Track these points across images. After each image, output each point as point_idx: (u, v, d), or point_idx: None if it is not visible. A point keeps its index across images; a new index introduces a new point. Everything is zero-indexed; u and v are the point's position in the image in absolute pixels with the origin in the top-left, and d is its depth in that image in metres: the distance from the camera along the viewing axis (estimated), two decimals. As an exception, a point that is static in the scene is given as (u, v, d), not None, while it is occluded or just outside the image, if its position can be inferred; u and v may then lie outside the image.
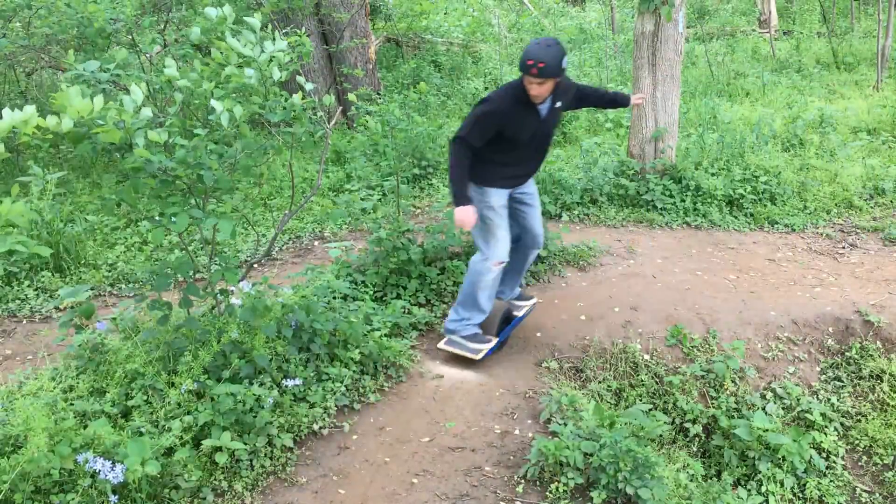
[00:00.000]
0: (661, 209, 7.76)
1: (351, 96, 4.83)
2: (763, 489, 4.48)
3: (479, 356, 4.82)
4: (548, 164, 7.46)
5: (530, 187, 4.95)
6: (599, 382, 5.04)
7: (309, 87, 4.02)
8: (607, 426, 4.04)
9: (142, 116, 3.46)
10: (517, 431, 4.30)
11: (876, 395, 5.15)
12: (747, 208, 7.72)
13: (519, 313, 5.33)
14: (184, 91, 3.77)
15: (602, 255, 6.77)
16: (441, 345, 4.90)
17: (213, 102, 3.54)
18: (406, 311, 5.45)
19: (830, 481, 4.65)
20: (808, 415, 4.97)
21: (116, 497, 3.26)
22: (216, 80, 3.83)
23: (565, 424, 4.20)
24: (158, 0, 7.69)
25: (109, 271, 6.48)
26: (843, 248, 6.92)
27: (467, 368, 4.93)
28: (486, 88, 12.99)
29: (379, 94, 11.11)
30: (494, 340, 4.92)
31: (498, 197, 4.68)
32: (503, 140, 4.47)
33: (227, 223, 3.70)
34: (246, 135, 4.00)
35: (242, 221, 7.33)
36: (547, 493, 3.81)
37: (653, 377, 5.13)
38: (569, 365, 5.14)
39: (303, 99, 4.05)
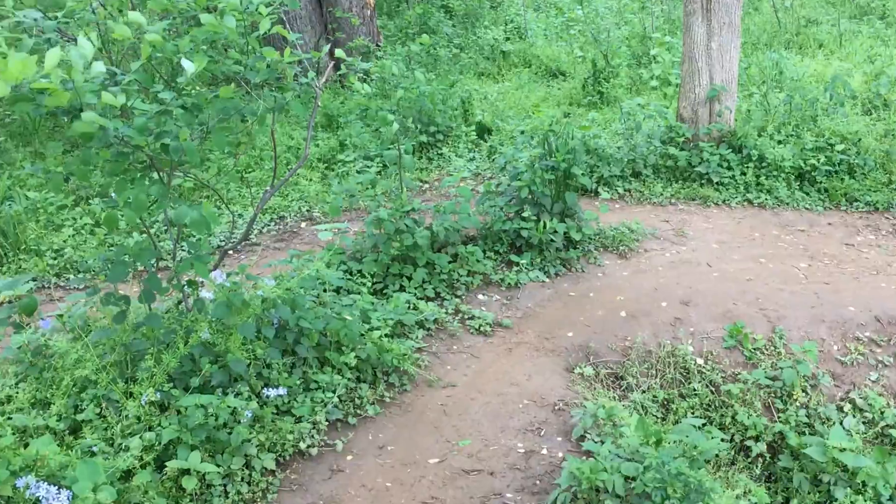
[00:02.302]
0: (717, 184, 7.71)
1: (340, 52, 4.75)
2: (840, 521, 4.43)
3: None
4: (581, 129, 7.43)
5: None
6: (643, 392, 5.03)
7: (293, 37, 3.97)
8: (653, 444, 4.00)
9: (93, 73, 3.41)
10: (545, 451, 4.29)
11: (977, 407, 5.08)
12: (820, 183, 7.65)
13: None
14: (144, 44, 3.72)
15: (646, 238, 6.74)
16: None
17: (184, 63, 3.48)
18: (411, 306, 5.44)
19: (921, 511, 4.59)
20: (893, 431, 4.92)
21: (64, 529, 3.22)
22: (184, 30, 3.79)
23: (602, 442, 4.18)
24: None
25: (55, 259, 6.45)
26: (937, 230, 6.87)
27: (484, 375, 4.92)
28: (507, 39, 12.92)
29: (378, 45, 11.03)
30: None
31: None
32: None
33: (198, 218, 3.68)
34: (225, 96, 3.96)
35: (215, 200, 7.29)
36: (580, 526, 3.78)
37: (707, 386, 5.11)
38: (607, 371, 5.13)
39: (289, 53, 4.00)
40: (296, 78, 4.30)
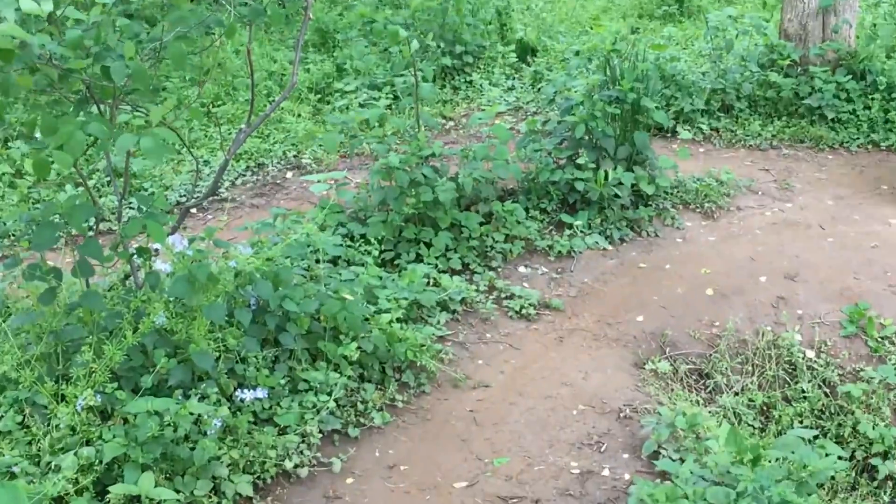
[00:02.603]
0: (832, 121, 7.65)
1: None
2: None
3: None
4: (654, 49, 7.36)
5: None
6: (736, 394, 5.00)
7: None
8: (748, 463, 3.93)
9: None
10: (606, 472, 4.24)
11: None
12: (972, 119, 7.56)
13: None
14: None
15: (740, 193, 6.74)
16: None
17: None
18: (431, 281, 5.40)
19: None
20: None
21: (-23, 573, 3.18)
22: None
23: (682, 460, 4.14)
24: None
25: (-36, 219, 6.44)
26: None
27: (527, 372, 4.89)
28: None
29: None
30: None
31: None
32: None
33: (150, 142, 3.60)
34: (180, 5, 3.90)
35: (174, 142, 7.20)
36: (653, 571, 3.73)
37: (820, 386, 5.08)
38: (688, 367, 5.10)
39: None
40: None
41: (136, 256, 4.23)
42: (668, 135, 7.63)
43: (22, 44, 3.44)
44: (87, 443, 3.68)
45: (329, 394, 4.35)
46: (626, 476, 4.19)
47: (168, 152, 3.58)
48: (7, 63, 3.50)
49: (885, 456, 4.80)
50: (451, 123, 8.02)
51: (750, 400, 4.99)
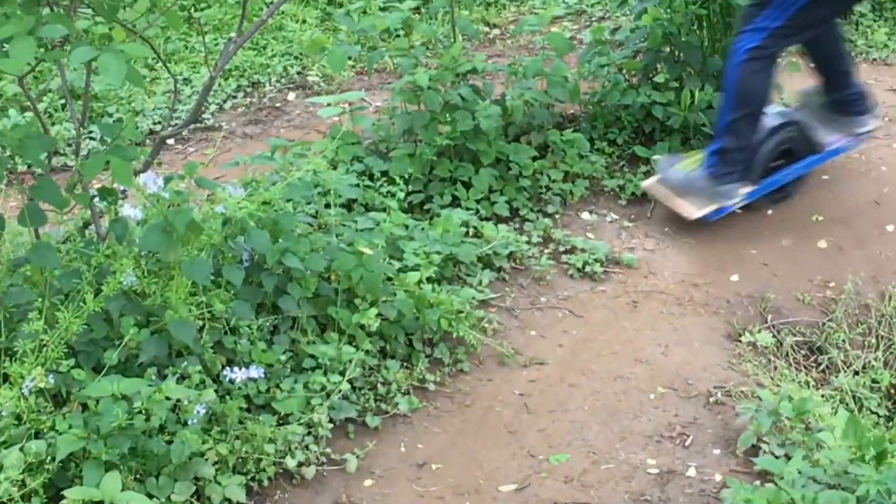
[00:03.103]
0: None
1: None
2: None
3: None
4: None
5: None
6: (856, 373, 4.90)
7: None
8: (871, 460, 3.81)
9: None
10: (691, 471, 4.14)
11: None
12: None
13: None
14: None
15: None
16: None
17: None
18: (471, 231, 5.31)
19: None
20: None
21: None
22: None
23: (788, 457, 4.03)
24: None
25: None
26: None
27: (592, 346, 4.80)
28: None
29: None
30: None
31: None
32: None
33: (113, 58, 3.44)
34: None
35: (146, 56, 7.13)
36: None
37: (966, 364, 5.03)
38: (795, 339, 5.00)
39: None
40: None
41: (97, 199, 4.17)
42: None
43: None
44: (37, 435, 3.61)
45: (342, 373, 4.26)
46: (718, 477, 4.11)
47: (133, 72, 3.43)
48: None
49: None
50: (497, 31, 8.00)
51: (874, 381, 4.90)
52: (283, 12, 7.98)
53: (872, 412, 4.72)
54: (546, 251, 5.36)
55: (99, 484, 3.41)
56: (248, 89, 7.36)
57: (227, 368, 3.97)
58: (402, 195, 5.30)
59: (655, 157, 5.69)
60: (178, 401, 3.70)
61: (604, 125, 6.17)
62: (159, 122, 6.72)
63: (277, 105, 7.13)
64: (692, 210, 5.40)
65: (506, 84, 6.04)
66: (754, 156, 5.53)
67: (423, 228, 5.13)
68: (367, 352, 4.36)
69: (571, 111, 6.27)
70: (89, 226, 4.30)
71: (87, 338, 3.83)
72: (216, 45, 7.49)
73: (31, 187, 3.89)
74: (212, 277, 4.02)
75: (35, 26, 3.45)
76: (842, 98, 5.76)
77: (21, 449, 3.46)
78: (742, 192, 5.46)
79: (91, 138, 5.67)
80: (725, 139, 5.33)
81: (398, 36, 6.40)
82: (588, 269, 5.25)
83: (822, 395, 4.62)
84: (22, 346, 3.65)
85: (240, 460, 3.86)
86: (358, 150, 5.68)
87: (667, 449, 4.23)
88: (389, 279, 4.59)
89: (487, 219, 5.47)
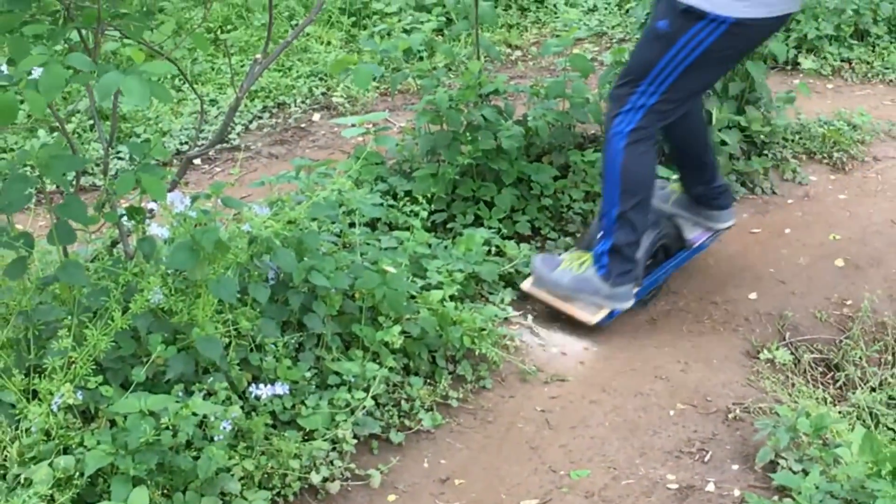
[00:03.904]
0: None
1: None
2: None
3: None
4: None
5: None
6: (873, 390, 4.90)
7: None
8: (888, 476, 3.83)
9: None
10: (711, 486, 4.14)
11: None
12: None
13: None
14: None
15: (878, 139, 6.66)
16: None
17: None
18: (493, 250, 5.32)
19: None
20: None
21: None
22: None
23: (805, 473, 4.03)
24: None
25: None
26: None
27: (613, 362, 4.82)
28: None
29: None
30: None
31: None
32: None
33: (136, 81, 3.44)
34: None
35: (174, 77, 7.24)
36: None
37: (982, 381, 4.99)
38: (813, 356, 5.01)
39: None
40: None
41: (126, 219, 4.17)
42: (788, 67, 7.63)
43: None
44: (66, 451, 3.62)
45: (366, 390, 4.27)
46: (736, 492, 4.11)
47: (159, 88, 3.46)
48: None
49: None
50: (518, 53, 8.03)
51: (890, 398, 4.91)
52: (307, 34, 8.00)
53: (889, 428, 4.72)
54: (569, 270, 5.39)
55: (127, 499, 3.43)
56: (274, 110, 7.39)
57: (253, 385, 3.98)
58: (425, 214, 5.32)
59: (532, 256, 5.16)
60: (205, 417, 3.72)
61: (625, 145, 6.19)
62: (186, 143, 6.74)
63: (302, 126, 7.16)
64: (587, 316, 4.88)
65: (527, 105, 6.06)
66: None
67: (445, 247, 5.15)
68: (390, 369, 4.38)
69: (592, 132, 6.27)
70: (117, 244, 4.32)
71: (115, 355, 3.84)
72: (242, 66, 7.50)
73: (58, 206, 3.90)
74: (238, 295, 4.03)
75: (65, 53, 3.48)
76: (706, 192, 5.21)
77: (50, 464, 3.48)
78: (634, 293, 4.97)
79: (119, 158, 5.68)
80: (617, 234, 4.74)
81: (421, 58, 6.46)
82: (610, 287, 5.28)
83: (840, 412, 4.63)
84: (51, 363, 3.67)
85: (265, 476, 3.88)
86: (382, 170, 5.72)
87: (686, 464, 4.24)
88: (413, 297, 4.61)
89: (510, 237, 5.49)
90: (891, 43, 7.68)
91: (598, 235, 4.79)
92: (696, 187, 5.08)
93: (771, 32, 4.73)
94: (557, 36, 7.86)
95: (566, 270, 4.74)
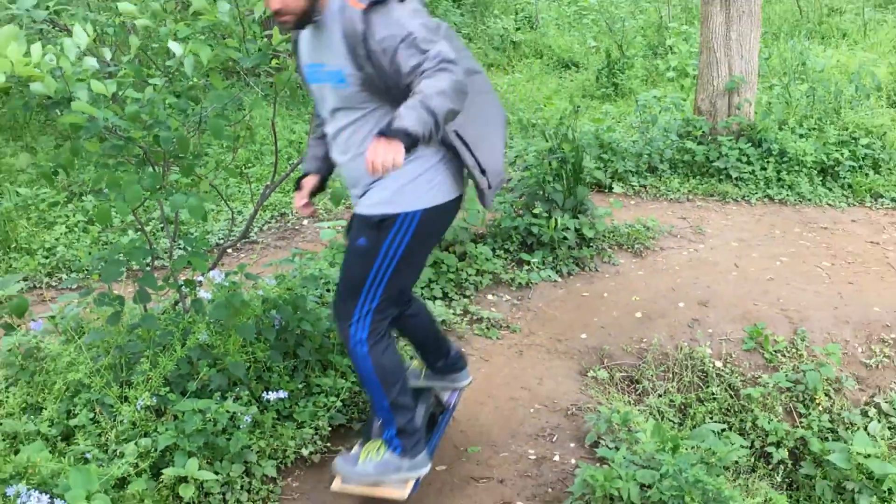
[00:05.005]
0: (736, 179, 7.69)
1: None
2: (865, 530, 4.40)
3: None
4: (594, 122, 7.44)
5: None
6: (660, 396, 5.02)
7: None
8: (669, 451, 3.96)
9: (85, 66, 3.42)
10: (557, 458, 4.25)
11: None
12: (844, 178, 7.62)
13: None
14: (141, 34, 3.72)
15: (663, 236, 6.75)
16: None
17: (171, 45, 3.48)
18: None
19: (951, 521, 4.55)
20: (922, 437, 4.88)
21: (55, 539, 3.17)
22: (181, 18, 3.79)
23: (617, 448, 4.16)
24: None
25: (47, 257, 6.40)
26: (967, 227, 6.83)
27: (494, 379, 4.90)
28: (518, 28, 12.89)
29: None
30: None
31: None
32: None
33: (195, 203, 3.66)
34: (217, 86, 3.94)
35: (213, 196, 7.20)
36: (593, 536, 3.75)
37: (726, 389, 5.09)
38: (622, 374, 5.12)
39: (277, 34, 4.00)
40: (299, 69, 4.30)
41: (183, 287, 4.24)
42: (606, 190, 7.67)
43: (91, 118, 3.49)
44: (145, 435, 3.69)
45: (337, 395, 4.34)
46: (573, 461, 4.20)
47: (200, 209, 3.60)
48: (77, 133, 3.56)
49: (777, 445, 4.84)
50: None
51: (671, 401, 5.01)
52: (300, 169, 7.78)
53: (670, 420, 4.86)
54: (465, 319, 5.44)
55: (185, 465, 3.53)
56: (278, 217, 7.38)
57: (265, 392, 4.05)
58: (374, 284, 5.50)
59: (334, 460, 3.84)
60: (234, 413, 3.79)
61: (501, 240, 6.26)
62: (222, 239, 6.74)
63: (296, 228, 7.16)
64: (399, 491, 3.73)
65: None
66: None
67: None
68: (352, 382, 4.44)
69: (481, 231, 6.36)
70: (178, 303, 4.38)
71: (177, 374, 3.92)
72: (258, 189, 7.49)
73: (139, 279, 3.96)
74: (255, 336, 4.13)
75: (141, 178, 3.67)
76: (446, 363, 4.16)
77: (135, 444, 3.55)
78: (428, 456, 3.84)
79: (179, 248, 5.36)
80: (397, 419, 3.70)
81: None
82: (491, 330, 5.34)
83: (639, 410, 4.74)
84: (136, 379, 3.78)
85: (273, 450, 3.95)
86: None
87: (541, 443, 4.34)
88: (366, 337, 4.71)
89: (428, 299, 5.56)
90: (671, 175, 7.82)
91: (379, 423, 3.79)
92: (438, 362, 4.16)
93: (456, 211, 3.61)
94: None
95: (368, 461, 3.72)
